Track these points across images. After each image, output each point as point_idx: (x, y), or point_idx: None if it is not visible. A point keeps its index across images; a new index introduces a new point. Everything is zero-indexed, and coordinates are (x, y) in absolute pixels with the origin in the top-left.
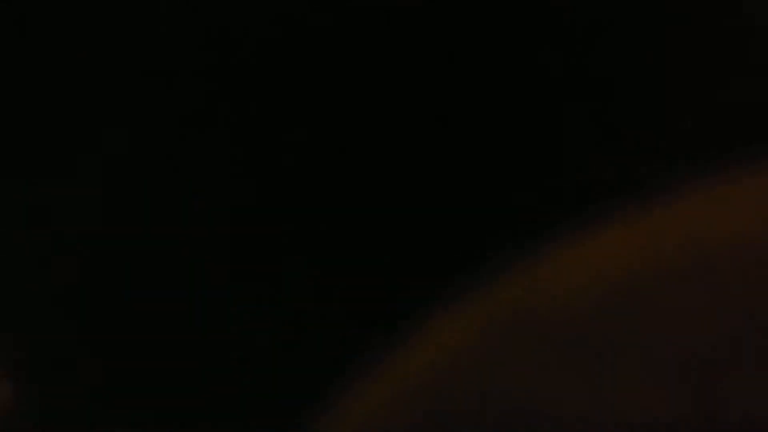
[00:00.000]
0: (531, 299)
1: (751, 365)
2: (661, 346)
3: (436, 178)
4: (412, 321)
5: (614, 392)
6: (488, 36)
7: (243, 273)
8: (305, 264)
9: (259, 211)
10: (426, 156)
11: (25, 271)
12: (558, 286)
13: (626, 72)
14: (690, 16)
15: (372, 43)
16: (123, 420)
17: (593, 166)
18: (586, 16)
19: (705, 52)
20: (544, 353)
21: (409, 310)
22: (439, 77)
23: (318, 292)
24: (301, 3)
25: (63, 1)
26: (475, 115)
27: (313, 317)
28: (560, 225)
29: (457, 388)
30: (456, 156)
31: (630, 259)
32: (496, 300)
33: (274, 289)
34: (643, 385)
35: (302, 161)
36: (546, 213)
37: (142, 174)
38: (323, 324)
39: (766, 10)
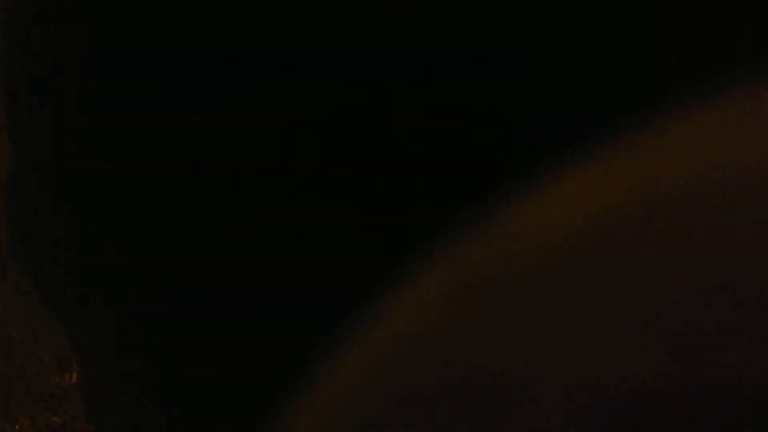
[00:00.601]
0: (498, 259)
1: (741, 321)
2: (638, 302)
3: (389, 148)
4: (370, 297)
5: (588, 354)
6: None
7: (200, 266)
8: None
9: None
10: (373, 130)
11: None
12: (526, 241)
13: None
14: None
15: None
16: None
17: (556, 107)
18: None
19: None
20: (510, 316)
21: (366, 286)
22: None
23: (273, 278)
24: None
25: None
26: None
27: (272, 306)
28: (519, 173)
29: (421, 359)
30: (409, 123)
31: (600, 206)
32: (461, 263)
33: (231, 277)
34: (619, 346)
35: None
36: (507, 164)
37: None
38: (280, 311)
39: None
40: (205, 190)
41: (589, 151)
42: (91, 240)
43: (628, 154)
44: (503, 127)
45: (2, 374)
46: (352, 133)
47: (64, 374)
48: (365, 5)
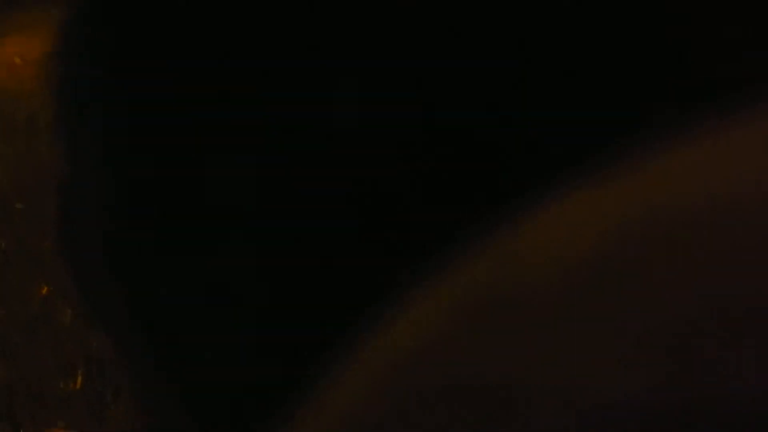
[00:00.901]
0: (500, 275)
1: (733, 338)
2: (638, 319)
3: (401, 161)
4: (381, 306)
5: (589, 368)
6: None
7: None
8: (267, 253)
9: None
10: (384, 142)
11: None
12: (528, 260)
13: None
14: None
15: None
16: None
17: (558, 128)
18: None
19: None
20: (513, 332)
21: (377, 295)
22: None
23: (279, 282)
24: None
25: None
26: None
27: (277, 309)
28: (527, 195)
29: (429, 370)
30: (416, 139)
31: (602, 227)
32: (464, 278)
33: (234, 279)
34: (619, 361)
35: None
36: (511, 184)
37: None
38: (289, 316)
39: None
40: (211, 192)
41: (592, 173)
42: (92, 245)
43: (629, 176)
44: (507, 147)
45: (4, 379)
46: (356, 147)
47: (67, 379)
48: (363, 5)
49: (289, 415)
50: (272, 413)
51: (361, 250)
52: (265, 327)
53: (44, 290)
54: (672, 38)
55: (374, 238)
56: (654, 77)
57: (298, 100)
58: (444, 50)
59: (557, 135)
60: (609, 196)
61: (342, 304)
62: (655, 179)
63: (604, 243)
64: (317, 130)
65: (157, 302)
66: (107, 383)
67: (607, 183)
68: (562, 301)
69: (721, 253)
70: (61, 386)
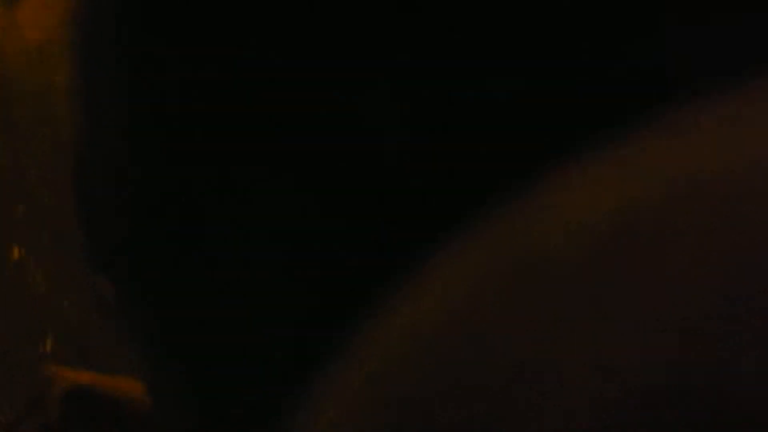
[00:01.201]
0: (523, 248)
1: (756, 311)
2: (654, 293)
3: (417, 129)
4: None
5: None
6: None
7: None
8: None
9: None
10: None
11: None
12: (550, 233)
13: None
14: None
15: None
16: None
17: (577, 98)
18: None
19: None
20: (539, 305)
21: (398, 265)
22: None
23: (281, 282)
24: None
25: None
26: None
27: (278, 309)
28: (550, 167)
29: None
30: (434, 107)
31: (621, 199)
32: (488, 250)
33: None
34: (641, 342)
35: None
36: (533, 156)
37: None
38: (290, 316)
39: None
40: (213, 192)
41: (612, 144)
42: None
43: (648, 149)
44: (526, 120)
45: None
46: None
47: (38, 344)
48: (359, 4)
49: (288, 415)
50: (272, 413)
51: (364, 251)
52: (266, 327)
53: (17, 255)
54: (671, 38)
55: (376, 238)
56: (654, 77)
57: (299, 101)
58: (443, 50)
59: (579, 108)
60: (628, 168)
61: (343, 306)
62: (673, 151)
63: (623, 215)
64: (318, 130)
65: (157, 303)
66: (76, 347)
67: (628, 155)
68: (579, 274)
69: (736, 224)
70: (33, 351)
